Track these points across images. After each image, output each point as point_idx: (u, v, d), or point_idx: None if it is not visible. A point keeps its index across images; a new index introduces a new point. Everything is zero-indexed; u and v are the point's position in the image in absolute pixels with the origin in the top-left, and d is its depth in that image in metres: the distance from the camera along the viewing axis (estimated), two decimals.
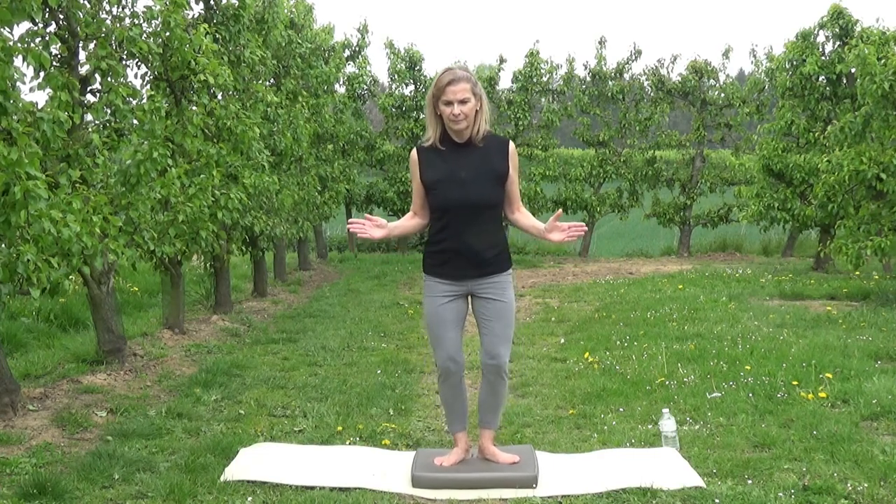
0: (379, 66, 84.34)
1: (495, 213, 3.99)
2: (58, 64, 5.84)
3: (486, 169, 3.94)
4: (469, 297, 4.08)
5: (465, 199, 3.91)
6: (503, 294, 4.03)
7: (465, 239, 3.94)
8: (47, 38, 5.10)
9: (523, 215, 4.12)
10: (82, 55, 6.01)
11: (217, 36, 8.08)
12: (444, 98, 3.87)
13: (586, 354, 6.87)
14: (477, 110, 3.91)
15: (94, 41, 6.00)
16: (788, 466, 4.17)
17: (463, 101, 3.85)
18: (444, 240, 3.97)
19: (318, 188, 13.36)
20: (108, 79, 5.98)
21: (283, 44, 10.70)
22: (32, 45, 4.82)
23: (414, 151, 4.05)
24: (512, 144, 4.04)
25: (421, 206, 4.08)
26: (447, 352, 4.02)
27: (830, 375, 5.74)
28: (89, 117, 5.99)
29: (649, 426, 4.94)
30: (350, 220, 3.99)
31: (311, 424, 5.06)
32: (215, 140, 7.72)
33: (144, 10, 6.56)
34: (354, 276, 13.50)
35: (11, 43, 4.42)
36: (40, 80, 5.04)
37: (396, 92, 17.56)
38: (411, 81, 17.53)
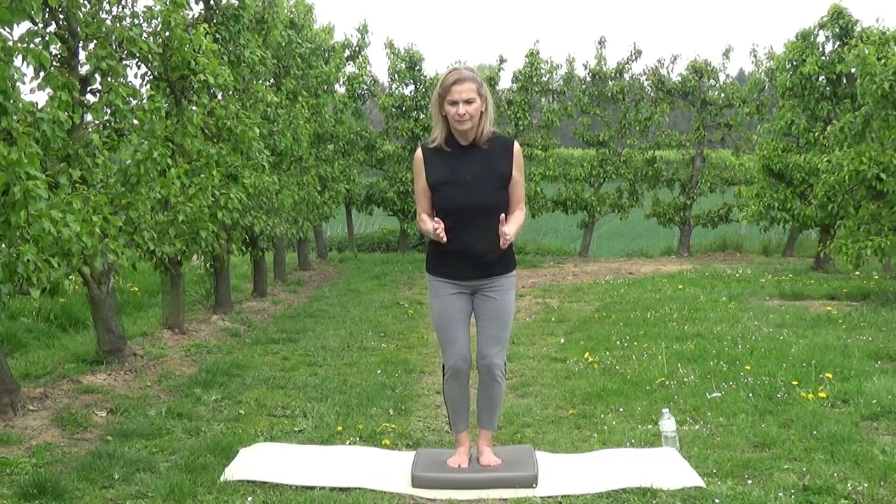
0: (379, 66, 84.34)
1: (500, 214, 3.92)
2: (58, 64, 5.85)
3: (489, 171, 3.93)
4: (473, 296, 4.08)
5: (469, 202, 3.90)
6: (503, 295, 4.03)
7: (470, 241, 3.93)
8: (47, 38, 5.09)
9: (510, 216, 3.98)
10: (82, 55, 6.01)
11: (217, 36, 8.08)
12: (450, 98, 3.86)
13: (586, 354, 6.87)
14: (482, 111, 3.90)
15: (94, 41, 6.00)
16: (788, 466, 4.17)
17: (468, 102, 3.85)
18: (448, 241, 3.92)
19: (318, 188, 13.35)
20: (108, 79, 5.98)
21: (283, 44, 10.69)
22: (32, 45, 4.81)
23: (419, 150, 4.02)
24: (517, 145, 4.02)
25: (429, 206, 4.02)
26: (459, 351, 4.00)
27: (830, 375, 5.74)
28: (89, 117, 5.99)
29: (649, 426, 4.94)
30: (436, 226, 3.85)
31: (311, 424, 5.06)
32: (215, 140, 7.72)
33: (144, 10, 6.56)
34: (354, 276, 13.49)
35: (11, 43, 4.42)
36: (40, 80, 5.04)
37: (396, 92, 17.54)
38: (411, 81, 17.51)
